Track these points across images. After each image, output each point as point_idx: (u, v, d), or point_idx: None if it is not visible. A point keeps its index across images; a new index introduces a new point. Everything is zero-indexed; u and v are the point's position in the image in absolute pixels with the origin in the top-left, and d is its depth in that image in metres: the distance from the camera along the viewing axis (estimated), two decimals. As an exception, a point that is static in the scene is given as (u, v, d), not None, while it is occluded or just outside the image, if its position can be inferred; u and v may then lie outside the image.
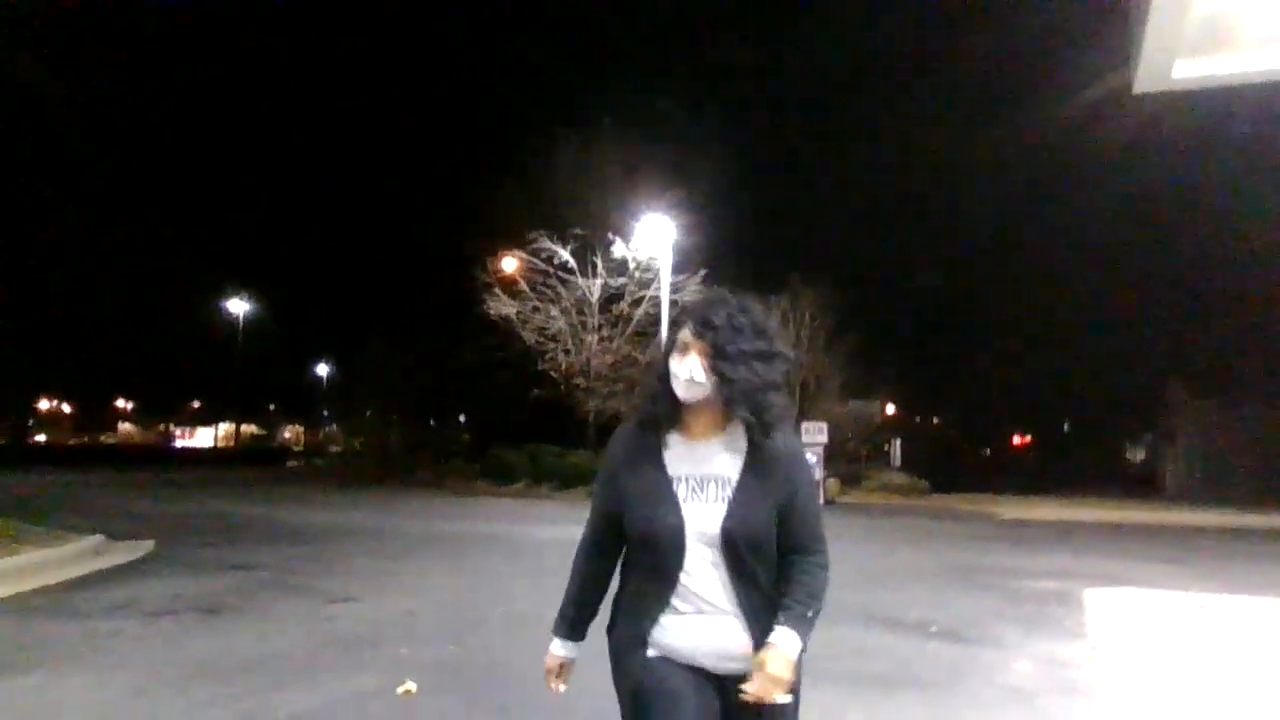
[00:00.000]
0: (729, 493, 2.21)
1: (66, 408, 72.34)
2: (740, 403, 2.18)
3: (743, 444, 2.24)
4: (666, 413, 2.30)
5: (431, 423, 50.13)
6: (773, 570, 2.24)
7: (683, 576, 2.23)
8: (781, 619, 2.16)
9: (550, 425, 31.39)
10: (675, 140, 41.45)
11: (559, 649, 2.58)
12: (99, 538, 11.68)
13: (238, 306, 51.89)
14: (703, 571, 2.21)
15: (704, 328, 2.21)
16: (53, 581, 9.36)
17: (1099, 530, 19.41)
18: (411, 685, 5.56)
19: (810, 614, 2.20)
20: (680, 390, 2.23)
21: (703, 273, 27.99)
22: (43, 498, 18.11)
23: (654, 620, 2.28)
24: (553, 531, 15.53)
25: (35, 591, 8.85)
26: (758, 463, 2.23)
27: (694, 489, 2.24)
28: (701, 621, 2.24)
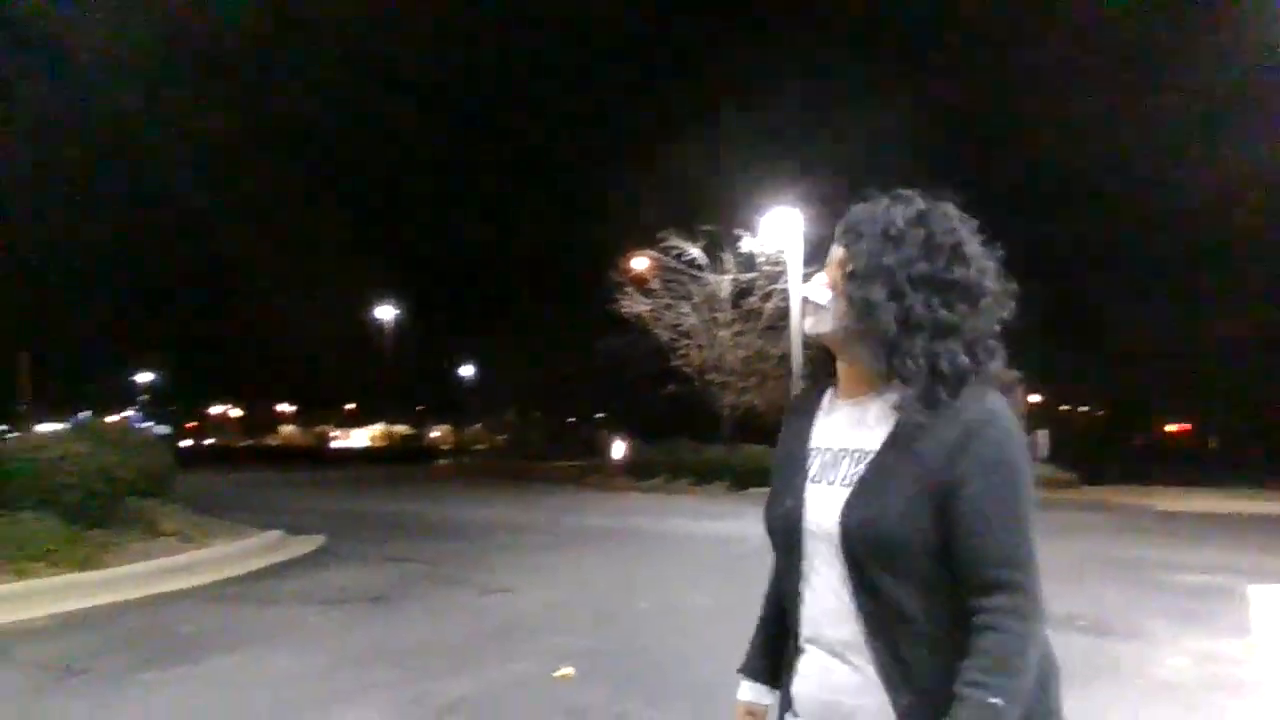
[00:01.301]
0: (862, 468, 1.52)
1: (234, 412, 77.59)
2: (871, 343, 1.55)
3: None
4: (821, 358, 1.72)
5: (569, 419, 51.39)
6: (940, 601, 1.44)
7: (804, 590, 1.59)
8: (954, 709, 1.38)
9: (686, 421, 31.72)
10: (803, 131, 41.18)
11: (743, 692, 1.91)
12: (277, 533, 12.66)
13: (387, 312, 54.35)
14: (824, 585, 1.55)
15: (850, 235, 1.61)
16: (241, 572, 10.28)
17: (1266, 523, 18.41)
18: (569, 669, 5.93)
19: (993, 700, 1.36)
20: (805, 320, 1.67)
21: (834, 264, 27.77)
22: (221, 495, 19.54)
23: (790, 666, 1.67)
24: (692, 525, 15.83)
25: (227, 580, 9.75)
26: (904, 432, 1.49)
27: (826, 465, 1.59)
28: (818, 661, 1.58)
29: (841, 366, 1.65)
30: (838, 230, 1.65)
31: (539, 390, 43.04)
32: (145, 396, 62.08)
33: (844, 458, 1.57)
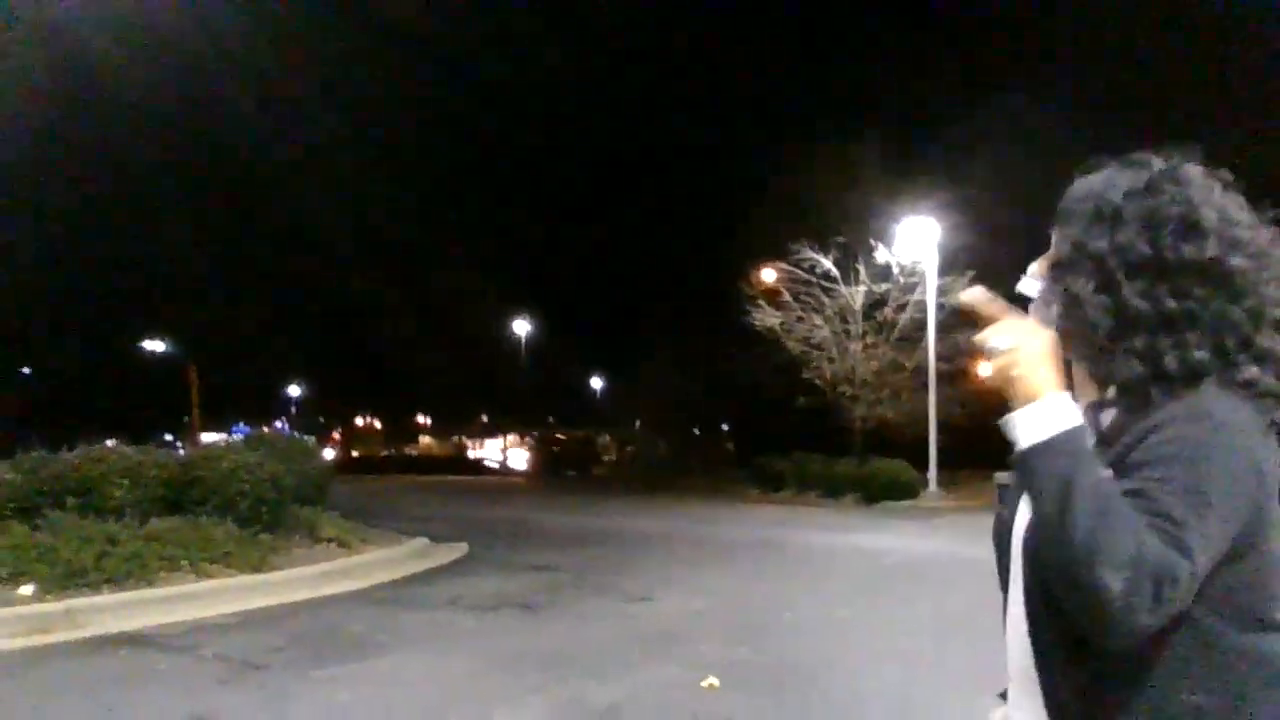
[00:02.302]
0: None
1: (377, 423, 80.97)
2: (1084, 344, 1.33)
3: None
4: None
5: (697, 431, 51.51)
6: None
7: (1009, 608, 1.37)
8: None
9: (816, 433, 31.41)
10: (939, 138, 40.31)
11: (996, 715, 1.52)
12: (424, 540, 13.25)
13: (520, 325, 55.79)
14: (1015, 607, 1.34)
15: (1061, 216, 1.40)
16: (394, 577, 10.82)
17: None
18: (714, 680, 6.05)
19: (1096, 469, 1.17)
20: None
21: (970, 274, 27.10)
22: (369, 503, 20.47)
23: (1006, 694, 1.44)
24: (826, 538, 15.71)
25: (379, 585, 10.27)
26: (1103, 437, 1.29)
27: None
28: (1011, 691, 1.40)
29: (1074, 366, 1.41)
30: (1057, 209, 1.42)
31: (667, 402, 43.30)
32: (294, 409, 65.44)
33: None
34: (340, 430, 72.87)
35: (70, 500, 9.53)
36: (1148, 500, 1.13)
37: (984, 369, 1.24)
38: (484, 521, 19.22)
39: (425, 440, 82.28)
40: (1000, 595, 1.38)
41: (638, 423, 48.88)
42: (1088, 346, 1.31)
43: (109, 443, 12.67)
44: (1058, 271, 1.35)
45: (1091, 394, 1.36)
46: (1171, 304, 1.25)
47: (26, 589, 8.02)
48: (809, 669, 6.42)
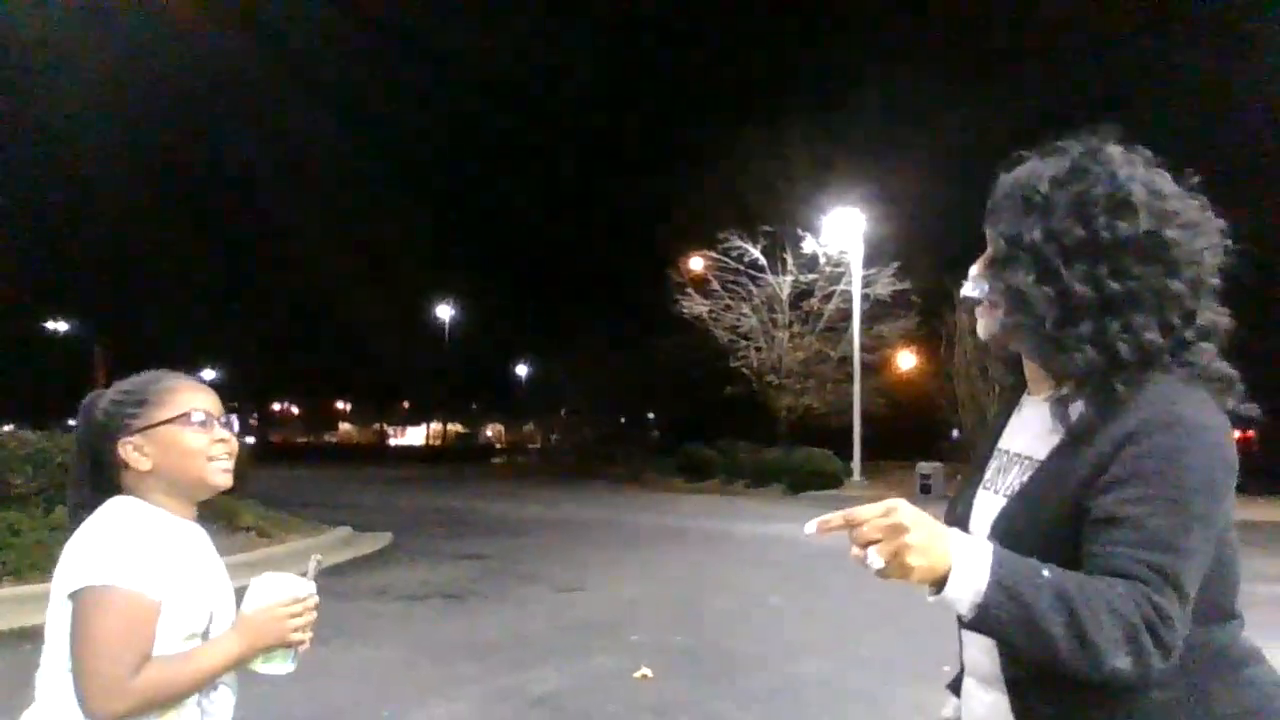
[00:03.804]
0: (1025, 479, 1.33)
1: (295, 409, 79.12)
2: (1034, 338, 1.30)
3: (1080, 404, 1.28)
4: (1006, 357, 1.49)
5: (623, 420, 51.52)
6: None
7: None
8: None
9: (742, 422, 31.67)
10: (864, 131, 40.88)
11: (946, 709, 1.59)
12: (347, 529, 12.90)
13: (444, 311, 55.02)
14: None
15: (992, 213, 1.38)
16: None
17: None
18: (647, 670, 5.97)
19: (1041, 588, 1.12)
20: (977, 325, 1.44)
21: (895, 265, 27.56)
22: (287, 491, 19.91)
23: (962, 687, 1.49)
24: (752, 527, 15.80)
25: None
26: (1069, 435, 1.27)
27: (999, 471, 1.41)
28: (968, 688, 1.44)
29: (1025, 362, 1.41)
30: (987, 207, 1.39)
31: (593, 390, 43.22)
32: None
33: (1014, 464, 1.38)
34: (256, 416, 71.00)
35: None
36: (1134, 529, 1.15)
37: (878, 567, 1.16)
38: (406, 510, 18.87)
39: (346, 427, 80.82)
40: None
41: (563, 410, 48.66)
42: (1038, 340, 1.30)
43: (8, 427, 12.03)
44: (996, 269, 1.34)
45: (1046, 389, 1.36)
46: (1114, 285, 1.24)
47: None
48: (743, 657, 6.39)
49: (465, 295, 57.60)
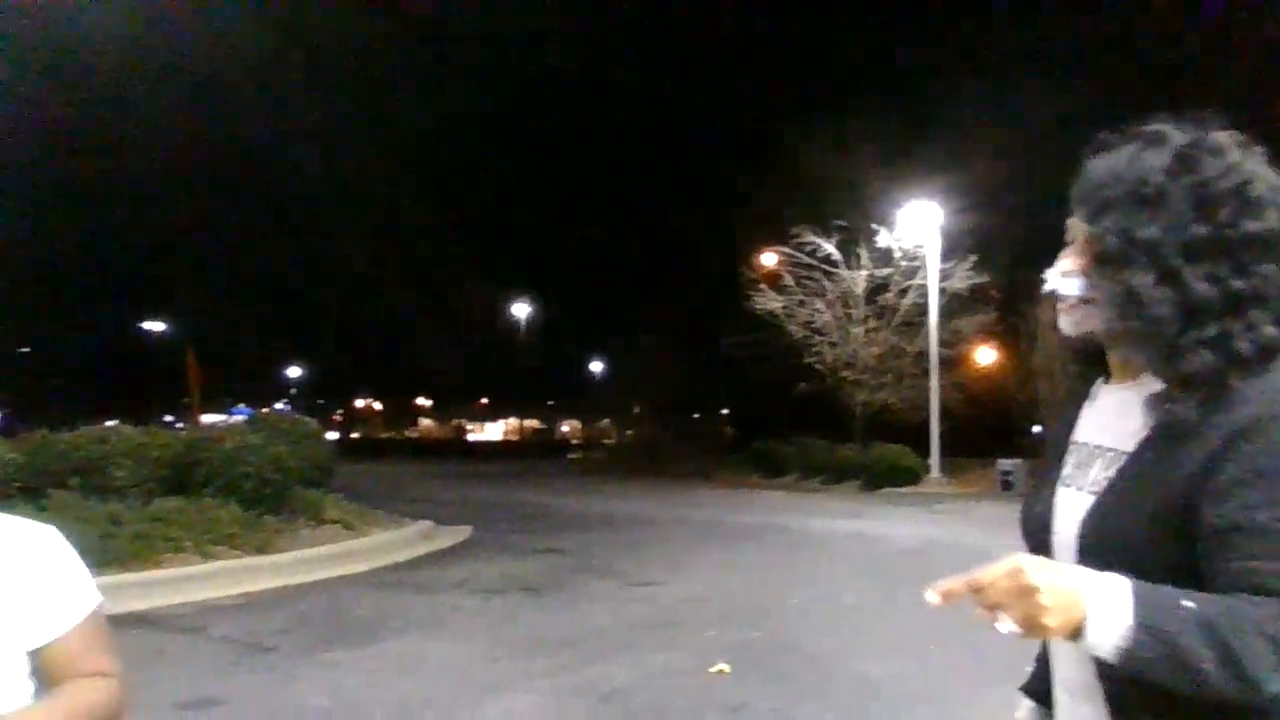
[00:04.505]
0: (1111, 474, 1.25)
1: (376, 405, 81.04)
2: (1145, 342, 1.22)
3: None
4: (1083, 348, 1.37)
5: (695, 416, 51.53)
6: None
7: None
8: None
9: (817, 418, 31.40)
10: (940, 122, 40.10)
11: (1020, 712, 1.54)
12: (428, 523, 13.25)
13: (521, 309, 55.76)
14: None
15: (1090, 204, 1.27)
16: (399, 560, 10.82)
17: None
18: (725, 665, 6.03)
19: (1186, 622, 1.05)
20: (1060, 320, 1.34)
21: (972, 258, 27.05)
22: (370, 486, 20.42)
23: (1053, 699, 1.39)
24: (828, 523, 15.73)
25: (384, 568, 10.27)
26: (1166, 429, 1.20)
27: (1080, 465, 1.33)
28: (1060, 699, 1.36)
29: (1110, 353, 1.33)
30: (1074, 197, 1.29)
31: (666, 386, 43.28)
32: (293, 390, 65.43)
33: (1097, 458, 1.29)
34: (341, 413, 72.88)
35: (73, 480, 9.51)
36: (1266, 538, 1.08)
37: (1011, 631, 1.08)
38: (485, 504, 19.24)
39: (425, 423, 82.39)
40: None
41: (636, 407, 48.82)
42: (1154, 343, 1.20)
43: (110, 423, 12.63)
44: (1104, 267, 1.23)
45: (1129, 378, 1.28)
46: (1238, 284, 1.16)
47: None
48: (818, 656, 6.41)
49: (541, 294, 58.31)
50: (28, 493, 9.23)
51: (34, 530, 1.44)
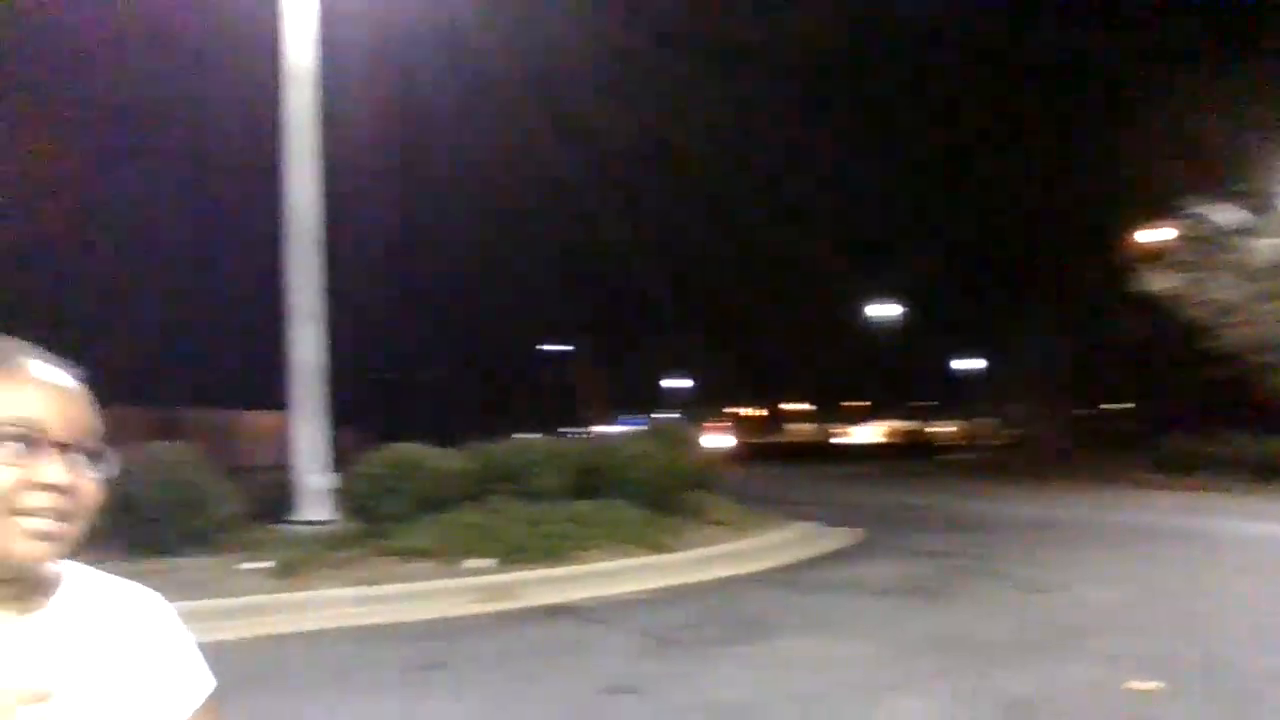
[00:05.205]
0: None
1: (751, 411, 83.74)
2: None
3: None
4: None
5: (1083, 411, 47.62)
6: None
7: None
8: None
9: (1228, 409, 27.86)
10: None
11: None
12: (814, 524, 13.54)
13: (882, 308, 54.84)
14: None
15: None
16: (789, 560, 11.16)
17: None
18: (1156, 683, 5.51)
19: None
20: None
21: None
22: (750, 488, 21.04)
23: None
24: (1252, 528, 13.91)
25: (775, 569, 10.65)
26: None
27: None
28: None
29: None
30: None
31: (1041, 381, 40.44)
32: (677, 400, 69.22)
33: None
34: (722, 419, 75.87)
35: (504, 485, 10.89)
36: None
37: None
38: (870, 506, 19.16)
39: (794, 427, 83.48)
40: None
41: (1018, 403, 46.01)
42: None
43: (527, 435, 14.25)
44: None
45: None
46: None
47: (478, 562, 9.30)
48: (1262, 679, 5.75)
49: (904, 291, 56.87)
50: (473, 497, 10.70)
51: (144, 597, 1.12)
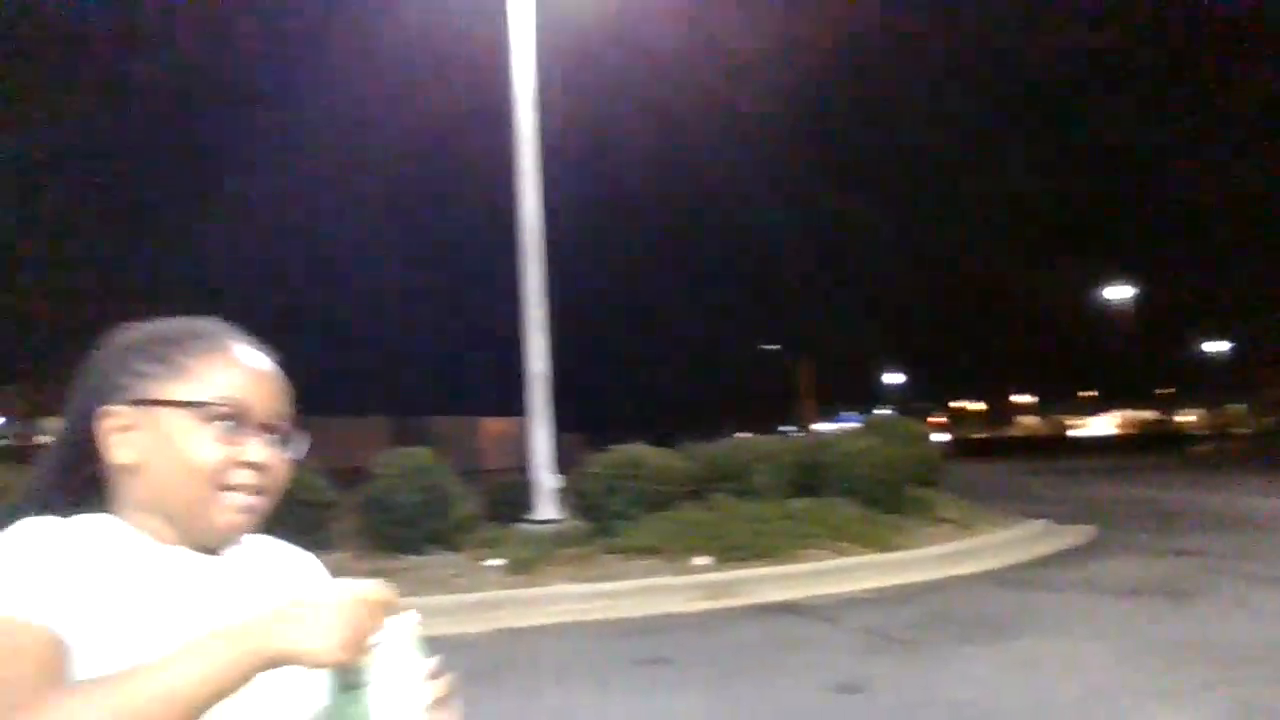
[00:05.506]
0: None
1: (970, 406, 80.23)
2: None
3: None
4: None
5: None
6: None
7: None
8: None
9: None
10: None
11: None
12: (1044, 521, 12.88)
13: (1121, 293, 51.08)
14: None
15: None
16: (1019, 559, 10.69)
17: None
18: None
19: None
20: None
21: None
22: (977, 485, 20.17)
23: None
24: None
25: (1005, 567, 10.22)
26: None
27: None
28: None
29: None
30: None
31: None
32: (895, 395, 67.46)
33: None
34: (939, 414, 73.13)
35: (724, 484, 11.02)
36: None
37: None
38: (1103, 502, 18.01)
39: (1025, 420, 79.23)
40: None
41: (1263, 389, 41.76)
42: None
43: (745, 435, 14.35)
44: None
45: None
46: None
47: (701, 560, 9.46)
48: None
49: (1142, 275, 52.84)
50: (694, 495, 10.91)
51: (301, 556, 1.15)
